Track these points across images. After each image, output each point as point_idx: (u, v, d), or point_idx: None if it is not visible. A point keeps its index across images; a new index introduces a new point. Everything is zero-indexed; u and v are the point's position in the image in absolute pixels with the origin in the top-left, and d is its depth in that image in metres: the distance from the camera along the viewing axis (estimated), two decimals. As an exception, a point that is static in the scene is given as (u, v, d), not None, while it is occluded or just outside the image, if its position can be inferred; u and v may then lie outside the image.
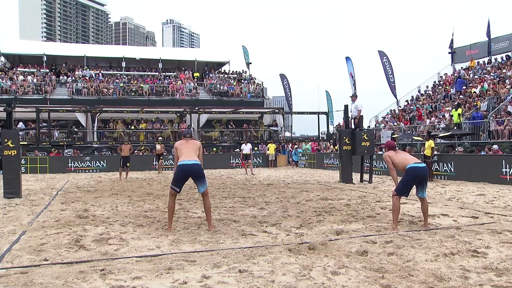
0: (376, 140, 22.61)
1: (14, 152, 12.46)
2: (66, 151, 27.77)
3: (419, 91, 31.46)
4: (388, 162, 7.38)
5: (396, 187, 7.11)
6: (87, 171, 25.61)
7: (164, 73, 39.63)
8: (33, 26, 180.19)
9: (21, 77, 34.34)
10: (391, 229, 6.84)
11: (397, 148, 7.74)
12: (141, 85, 36.24)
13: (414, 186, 7.01)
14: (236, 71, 43.14)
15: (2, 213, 9.24)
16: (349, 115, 16.74)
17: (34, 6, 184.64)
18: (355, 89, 32.62)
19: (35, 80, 34.17)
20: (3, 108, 13.24)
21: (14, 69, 36.54)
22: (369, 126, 27.51)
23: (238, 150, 30.23)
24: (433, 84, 31.08)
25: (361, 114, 16.38)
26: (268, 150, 29.92)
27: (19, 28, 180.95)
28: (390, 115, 30.18)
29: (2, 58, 38.12)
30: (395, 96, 32.11)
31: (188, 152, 7.07)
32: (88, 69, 37.54)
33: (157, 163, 25.07)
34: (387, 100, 36.61)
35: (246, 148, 22.33)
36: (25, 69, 36.66)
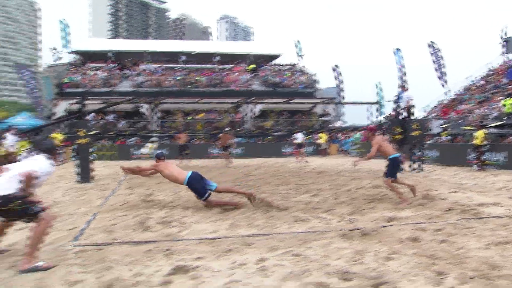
0: (426, 129, 21.92)
1: (86, 141, 13.04)
2: (130, 139, 28.67)
3: (471, 81, 30.14)
4: (376, 145, 8.12)
5: (386, 174, 8.18)
6: (149, 158, 26.28)
7: (220, 66, 40.00)
8: (101, 25, 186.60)
9: (90, 72, 35.73)
10: (404, 203, 7.65)
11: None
12: (198, 77, 36.76)
13: None
14: (289, 63, 42.90)
15: (77, 195, 9.74)
16: (400, 105, 16.31)
17: (102, 7, 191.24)
18: (404, 80, 31.74)
19: (103, 75, 35.45)
20: (77, 101, 13.85)
21: (85, 65, 38.01)
22: (418, 116, 26.69)
23: (291, 139, 30.23)
24: (484, 74, 29.69)
25: (411, 104, 15.92)
26: (319, 139, 29.66)
27: (88, 28, 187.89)
28: (440, 105, 29.15)
29: (75, 55, 39.70)
30: (445, 86, 30.99)
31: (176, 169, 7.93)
32: (149, 63, 38.49)
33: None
34: (437, 90, 35.30)
35: (299, 137, 22.25)
36: (94, 65, 38.04)
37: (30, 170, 4.37)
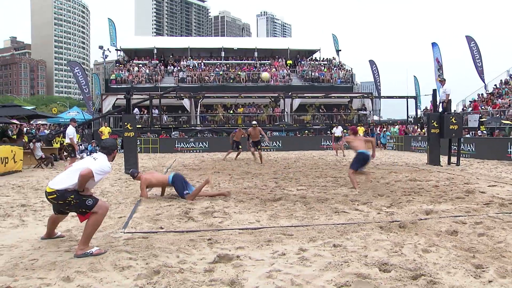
0: (464, 123, 21.24)
1: (132, 134, 13.36)
2: (173, 133, 29.16)
3: (509, 75, 28.95)
4: (348, 143, 10.03)
5: (351, 165, 9.48)
6: (191, 151, 26.72)
7: (259, 61, 40.02)
8: (145, 23, 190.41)
9: (136, 69, 36.53)
10: (356, 188, 8.84)
11: (359, 134, 10.59)
12: (239, 72, 36.95)
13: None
14: (327, 58, 42.47)
15: (125, 186, 10.01)
16: (438, 99, 15.87)
17: (146, 6, 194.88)
18: (441, 74, 30.84)
19: (147, 71, 36.18)
20: (123, 96, 14.19)
21: (131, 61, 38.94)
22: (455, 110, 25.87)
23: (329, 132, 29.95)
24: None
25: (449, 98, 15.46)
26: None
27: (134, 26, 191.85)
28: (478, 99, 28.16)
29: (121, 53, 40.68)
30: (483, 80, 29.89)
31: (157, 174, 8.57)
32: (191, 59, 38.95)
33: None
34: (475, 84, 34.15)
35: (338, 130, 22.03)
36: (139, 61, 38.90)
37: (89, 168, 4.53)
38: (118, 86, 33.53)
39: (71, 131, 14.33)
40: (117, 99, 28.98)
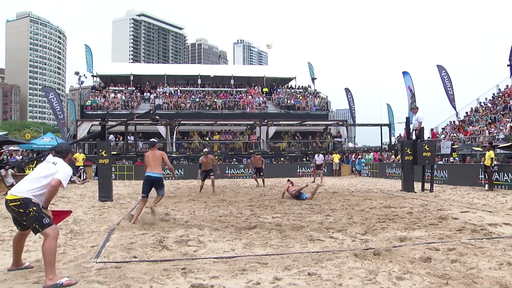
0: (437, 150, 21.72)
1: (107, 161, 13.18)
2: (148, 160, 28.83)
3: (479, 102, 29.94)
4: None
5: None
6: (166, 178, 26.38)
7: (235, 89, 40.31)
8: (122, 50, 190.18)
9: (112, 95, 36.31)
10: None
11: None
12: (215, 100, 37.09)
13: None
14: (302, 86, 43.08)
15: (98, 214, 9.81)
16: (411, 126, 16.24)
17: (123, 32, 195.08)
18: (413, 102, 31.65)
19: (123, 97, 35.99)
20: (98, 123, 14.06)
21: (107, 88, 38.71)
22: (428, 137, 26.46)
23: (305, 160, 30.17)
24: (492, 96, 29.46)
25: (422, 126, 15.84)
26: (333, 160, 29.59)
27: (111, 52, 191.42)
28: (449, 126, 28.92)
29: (97, 79, 40.47)
30: (454, 108, 30.81)
31: (153, 164, 8.71)
32: (168, 86, 38.99)
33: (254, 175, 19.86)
34: (447, 111, 35.09)
35: (319, 158, 22.20)
36: (116, 88, 38.70)
37: (57, 179, 4.53)
38: (93, 112, 33.19)
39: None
40: (92, 125, 28.66)
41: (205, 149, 18.23)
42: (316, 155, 22.58)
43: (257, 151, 23.00)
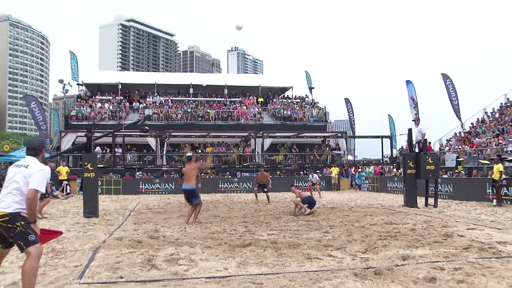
0: (441, 163, 21.80)
1: (92, 174, 13.15)
2: (137, 173, 28.80)
3: (485, 113, 30.07)
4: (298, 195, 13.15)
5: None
6: (156, 192, 26.39)
7: (229, 99, 40.42)
8: (110, 57, 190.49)
9: (98, 105, 36.29)
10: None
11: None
12: (208, 110, 37.19)
13: None
14: (299, 96, 43.24)
15: (83, 231, 9.75)
16: (413, 138, 16.33)
17: (111, 39, 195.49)
18: (416, 112, 31.82)
19: (111, 107, 36.00)
20: (84, 134, 14.04)
21: (93, 97, 38.62)
22: (433, 150, 26.60)
23: (302, 173, 30.18)
24: (500, 106, 29.62)
25: (425, 138, 15.94)
26: (331, 173, 29.62)
27: (98, 60, 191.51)
28: (455, 138, 29.06)
29: (84, 88, 40.41)
30: (460, 118, 30.93)
31: (187, 177, 10.79)
32: (158, 96, 39.02)
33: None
34: (452, 123, 35.22)
35: (314, 179, 22.12)
36: (103, 97, 38.65)
37: (32, 189, 4.45)
38: (78, 123, 33.11)
39: None
40: (77, 136, 28.62)
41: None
42: (310, 175, 22.49)
43: (261, 165, 22.92)
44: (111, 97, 38.36)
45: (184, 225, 10.63)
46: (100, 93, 39.86)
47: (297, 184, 28.33)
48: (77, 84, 39.23)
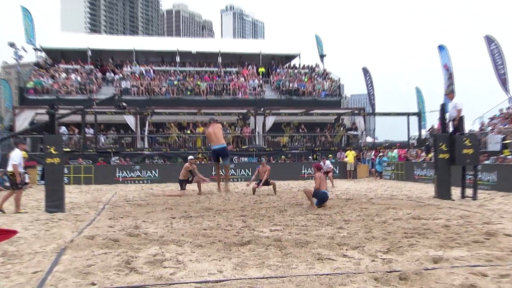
0: (482, 146, 21.72)
1: (57, 160, 13.07)
2: (113, 158, 28.74)
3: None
4: (318, 179, 12.80)
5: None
6: (137, 181, 26.44)
7: (224, 69, 40.30)
8: (76, 17, 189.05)
9: (63, 75, 36.11)
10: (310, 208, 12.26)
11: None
12: (198, 82, 37.08)
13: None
14: (308, 65, 43.11)
15: (44, 229, 9.71)
16: (447, 116, 16.24)
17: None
18: (451, 84, 31.66)
19: (78, 78, 35.82)
20: (45, 110, 13.93)
21: (56, 65, 38.40)
22: (470, 130, 26.51)
23: (311, 158, 30.18)
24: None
25: (461, 115, 15.81)
26: (346, 158, 29.62)
27: (60, 20, 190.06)
28: (500, 116, 28.92)
29: (43, 54, 40.13)
30: (507, 91, 30.66)
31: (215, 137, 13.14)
32: (137, 65, 38.90)
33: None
34: (496, 96, 35.02)
35: (326, 166, 22.11)
36: (68, 66, 38.47)
37: None
38: (38, 98, 32.95)
39: (16, 156, 13.49)
40: (36, 114, 28.46)
41: (190, 157, 18.98)
42: (322, 161, 22.50)
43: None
44: (79, 66, 38.21)
45: (171, 220, 10.64)
46: (65, 61, 39.58)
47: (305, 171, 28.37)
48: (34, 49, 38.91)
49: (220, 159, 12.70)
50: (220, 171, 18.78)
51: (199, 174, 18.68)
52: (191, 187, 19.08)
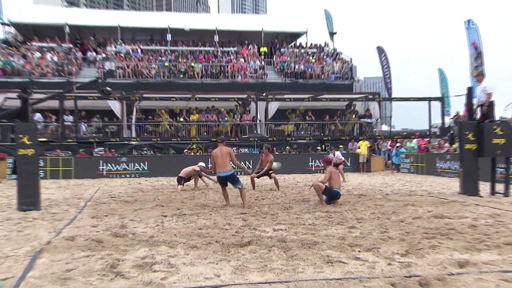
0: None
1: (31, 151, 13.01)
2: (96, 149, 28.72)
3: None
4: (329, 173, 12.81)
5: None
6: (123, 176, 26.46)
7: (221, 48, 40.26)
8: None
9: (37, 54, 35.99)
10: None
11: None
12: (192, 64, 37.04)
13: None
14: (316, 45, 43.06)
15: (17, 230, 9.66)
16: (474, 101, 16.19)
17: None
18: (480, 65, 31.55)
19: (55, 58, 35.71)
20: (17, 94, 13.88)
21: (28, 43, 38.29)
22: (501, 117, 26.46)
23: (319, 149, 30.19)
24: None
25: (491, 100, 15.74)
26: (359, 149, 29.62)
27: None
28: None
29: (12, 29, 39.93)
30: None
31: (221, 162, 12.80)
32: (123, 44, 38.86)
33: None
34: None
35: (336, 157, 22.15)
36: (42, 44, 38.35)
37: None
38: (7, 80, 32.86)
39: None
40: (6, 98, 28.34)
41: (201, 163, 19.65)
42: (331, 153, 22.46)
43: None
44: (55, 45, 38.07)
45: (162, 218, 10.64)
46: (38, 38, 39.43)
47: (313, 163, 28.39)
48: (1, 23, 38.76)
49: (228, 183, 12.49)
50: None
51: (209, 176, 18.76)
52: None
